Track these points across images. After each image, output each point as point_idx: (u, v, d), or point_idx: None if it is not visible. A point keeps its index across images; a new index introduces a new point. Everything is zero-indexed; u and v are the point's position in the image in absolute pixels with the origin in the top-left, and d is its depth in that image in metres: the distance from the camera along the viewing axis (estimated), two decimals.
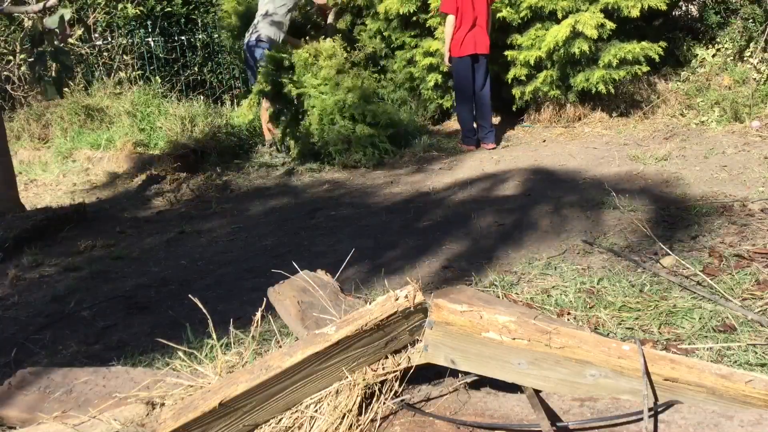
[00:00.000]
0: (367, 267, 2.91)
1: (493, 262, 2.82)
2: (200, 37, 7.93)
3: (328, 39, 6.05)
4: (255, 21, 5.83)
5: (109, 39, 7.48)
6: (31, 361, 2.24)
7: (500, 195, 4.05)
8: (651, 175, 4.06)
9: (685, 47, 6.20)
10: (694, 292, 2.23)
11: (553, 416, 1.26)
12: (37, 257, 3.52)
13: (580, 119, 6.02)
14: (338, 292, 1.96)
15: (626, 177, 4.11)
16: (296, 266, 1.92)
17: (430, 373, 1.44)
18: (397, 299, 1.36)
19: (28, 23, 6.25)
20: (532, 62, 5.68)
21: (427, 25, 6.24)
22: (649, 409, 1.17)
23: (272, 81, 5.44)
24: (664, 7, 5.48)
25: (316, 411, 1.36)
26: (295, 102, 5.54)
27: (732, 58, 6.01)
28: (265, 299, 1.78)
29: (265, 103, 5.70)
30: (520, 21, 5.78)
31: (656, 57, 5.51)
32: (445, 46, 5.43)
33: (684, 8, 6.74)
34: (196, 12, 7.96)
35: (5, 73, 6.96)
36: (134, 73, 7.27)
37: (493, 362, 1.33)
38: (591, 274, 2.54)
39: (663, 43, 5.59)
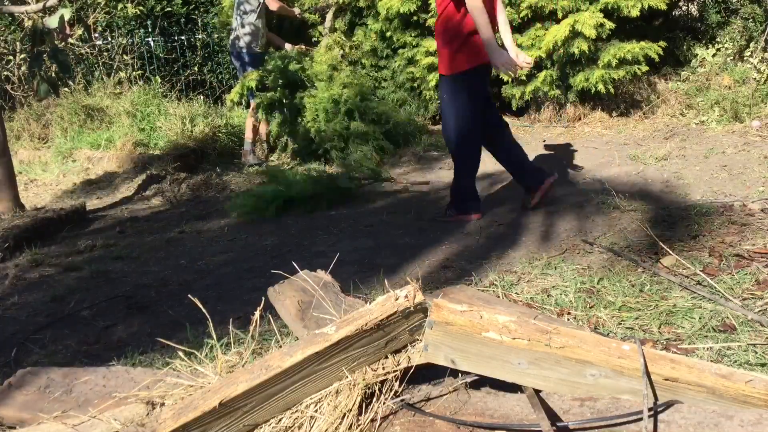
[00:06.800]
0: (367, 267, 2.91)
1: (493, 262, 2.82)
2: (200, 37, 7.93)
3: (327, 37, 6.04)
4: (233, 26, 5.78)
5: (109, 39, 7.48)
6: (31, 361, 2.23)
7: (500, 194, 4.05)
8: (651, 175, 4.06)
9: (685, 47, 6.20)
10: (694, 292, 2.23)
11: (553, 416, 1.26)
12: (37, 257, 3.52)
13: (580, 119, 6.02)
14: (338, 292, 1.96)
15: (626, 177, 4.11)
16: (296, 266, 1.92)
17: (430, 373, 1.44)
18: (397, 299, 1.36)
19: (28, 23, 6.25)
20: None
21: (427, 25, 6.24)
22: (649, 409, 1.17)
23: (280, 95, 5.40)
24: (664, 7, 5.49)
25: (316, 411, 1.36)
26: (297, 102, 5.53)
27: (732, 57, 6.01)
28: (264, 299, 1.78)
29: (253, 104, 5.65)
30: (520, 21, 5.79)
31: (656, 57, 5.52)
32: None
33: (684, 8, 6.74)
34: (196, 12, 7.96)
35: (5, 73, 6.95)
36: (134, 73, 7.27)
37: (493, 362, 1.33)
38: (591, 273, 2.53)
39: (663, 43, 5.59)
